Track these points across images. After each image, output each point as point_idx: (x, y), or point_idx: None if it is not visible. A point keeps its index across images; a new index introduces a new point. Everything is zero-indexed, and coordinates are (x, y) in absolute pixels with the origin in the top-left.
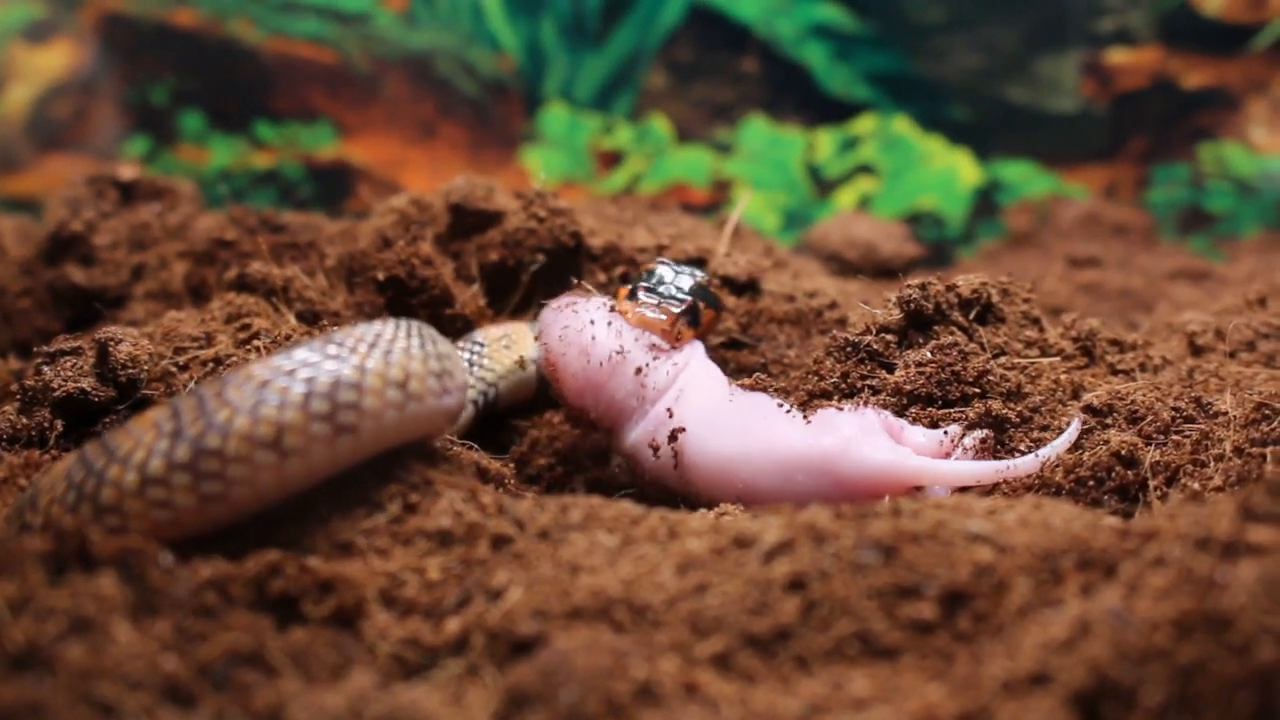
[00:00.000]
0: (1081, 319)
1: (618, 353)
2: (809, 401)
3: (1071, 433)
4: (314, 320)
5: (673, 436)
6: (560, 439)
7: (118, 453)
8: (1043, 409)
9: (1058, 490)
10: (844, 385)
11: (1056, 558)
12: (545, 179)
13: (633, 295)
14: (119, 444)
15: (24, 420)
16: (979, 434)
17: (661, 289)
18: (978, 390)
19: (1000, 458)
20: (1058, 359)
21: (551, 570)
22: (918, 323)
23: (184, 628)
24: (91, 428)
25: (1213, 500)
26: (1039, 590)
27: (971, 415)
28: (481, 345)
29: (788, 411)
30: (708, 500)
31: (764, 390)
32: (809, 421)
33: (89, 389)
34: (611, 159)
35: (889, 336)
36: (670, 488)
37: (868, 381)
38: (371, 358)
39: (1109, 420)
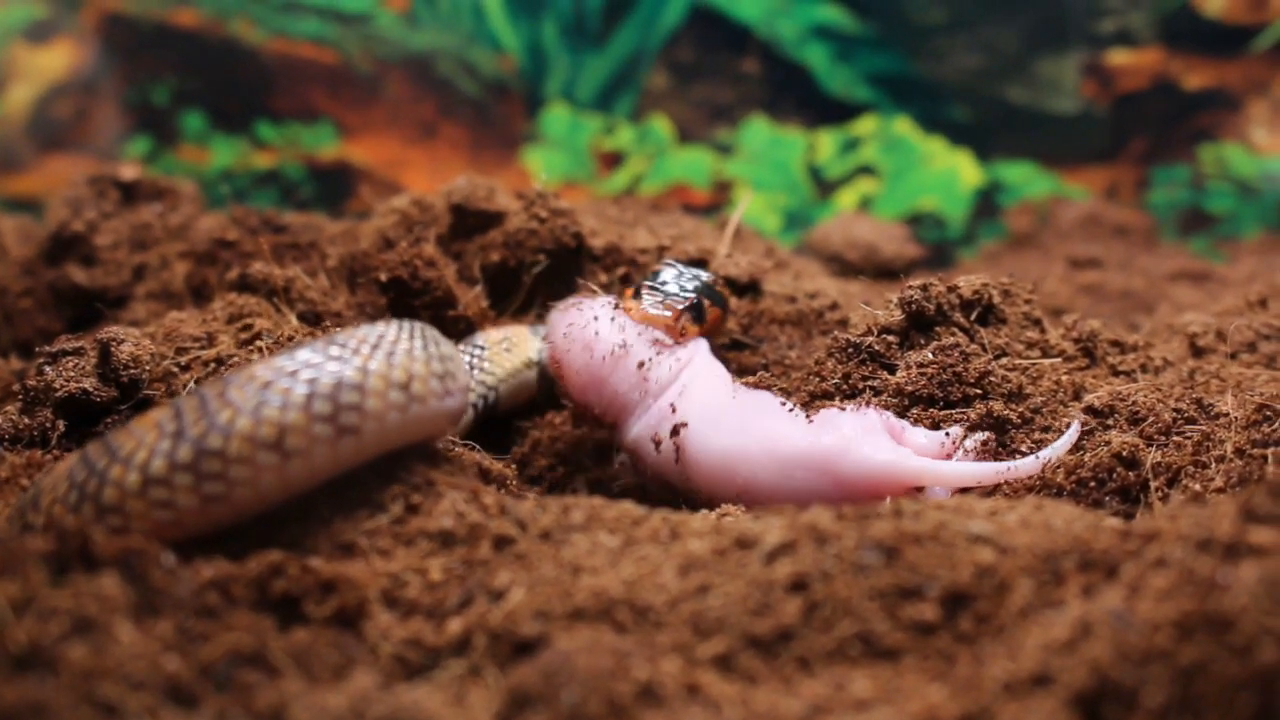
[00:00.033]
0: (1083, 320)
1: (620, 347)
2: (811, 402)
3: (1071, 435)
4: (316, 321)
5: (675, 431)
6: (562, 440)
7: (120, 453)
8: (1044, 410)
9: (1059, 491)
10: (845, 386)
11: (1058, 559)
12: (546, 179)
13: (637, 294)
14: (121, 444)
15: (26, 420)
16: (980, 436)
17: (666, 287)
18: (979, 391)
19: (1001, 459)
20: (1059, 360)
21: (553, 571)
22: (919, 324)
23: (186, 628)
24: (93, 428)
25: (1214, 501)
26: (1040, 591)
27: (973, 416)
28: (482, 348)
29: (790, 410)
30: (708, 497)
31: (767, 389)
32: (811, 421)
33: (91, 389)
34: (612, 159)
35: (890, 337)
36: (671, 483)
37: (869, 382)
38: (374, 359)
39: (1110, 421)
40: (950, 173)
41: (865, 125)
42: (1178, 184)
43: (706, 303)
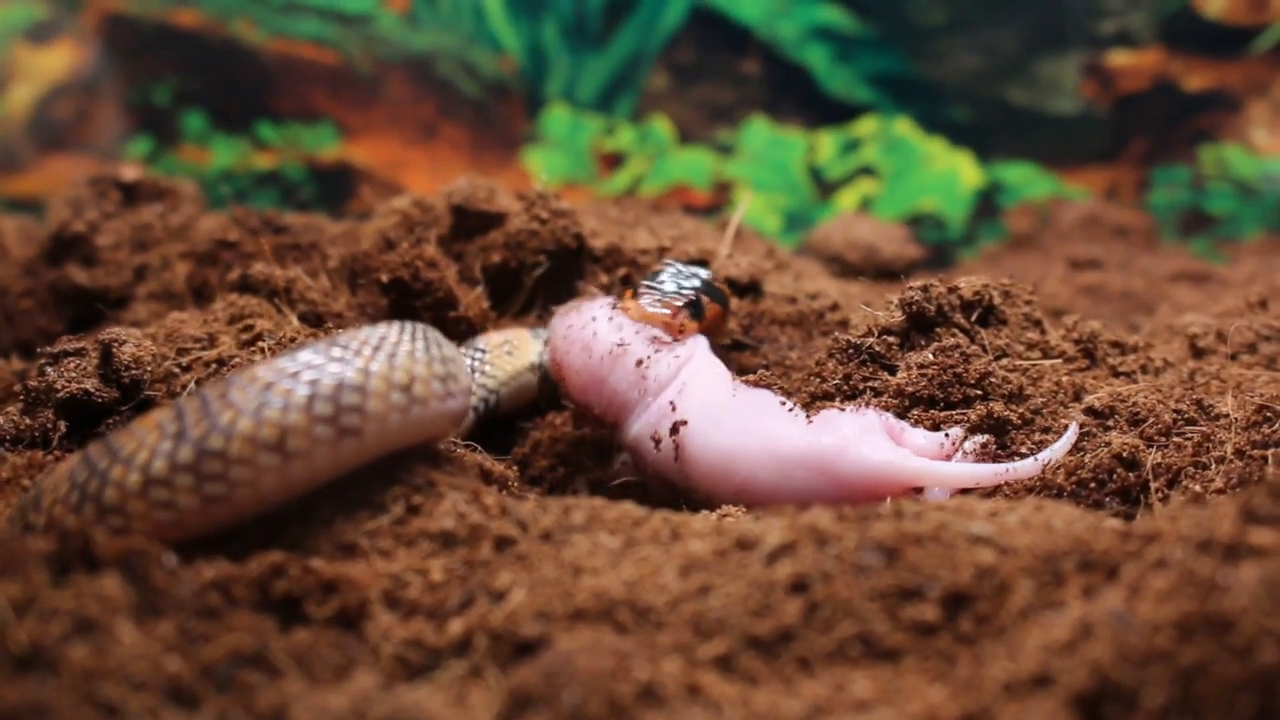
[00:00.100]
0: (1083, 321)
1: (619, 346)
2: (811, 403)
3: (1069, 437)
4: (317, 322)
5: (674, 429)
6: (562, 440)
7: (121, 453)
8: (1044, 411)
9: (1059, 492)
10: (846, 387)
11: (1058, 560)
12: (547, 180)
13: (636, 294)
14: (122, 445)
15: (27, 421)
16: (979, 439)
17: (664, 285)
18: (979, 392)
19: (1001, 461)
20: (1059, 361)
21: (554, 572)
22: (919, 325)
23: (187, 628)
24: (95, 429)
25: (1214, 502)
26: (1041, 592)
27: (973, 417)
28: (484, 352)
29: (790, 409)
30: (706, 496)
31: (768, 387)
32: (811, 421)
33: (92, 390)
34: (613, 160)
35: (891, 338)
36: (671, 482)
37: (870, 383)
38: (376, 361)
39: (1110, 422)
40: (950, 173)
41: (865, 126)
42: (1178, 185)
43: (705, 299)
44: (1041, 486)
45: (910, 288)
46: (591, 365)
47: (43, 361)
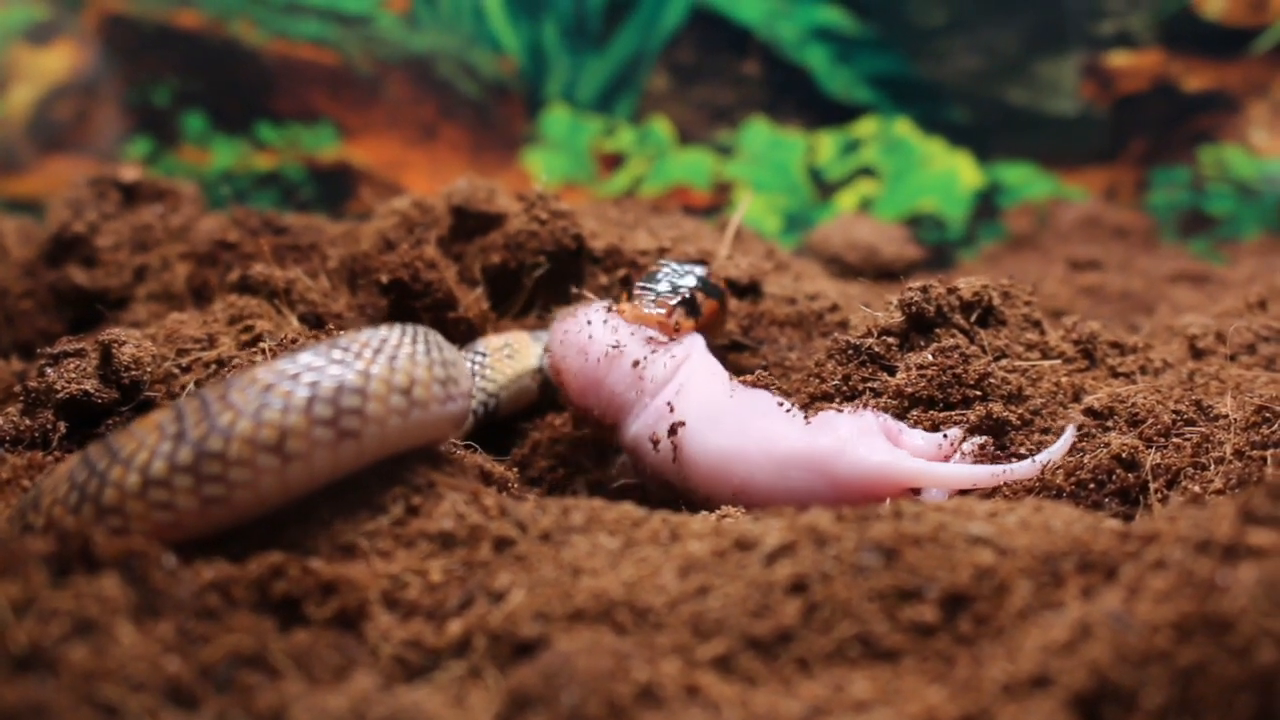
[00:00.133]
0: (1082, 322)
1: (614, 347)
2: (810, 404)
3: (1067, 439)
4: (316, 322)
5: (672, 430)
6: (562, 441)
7: (120, 454)
8: (1044, 412)
9: (1058, 493)
10: (845, 388)
11: (1057, 560)
12: (547, 181)
13: (631, 296)
14: (122, 445)
15: (27, 422)
16: (977, 440)
17: (658, 285)
18: (979, 393)
19: (999, 462)
20: (1059, 362)
21: (553, 572)
22: (919, 325)
23: (187, 629)
24: (94, 429)
25: (1213, 503)
26: (1040, 593)
27: (972, 418)
28: (484, 355)
29: (788, 410)
30: (705, 496)
31: (765, 387)
32: (809, 422)
33: (92, 390)
34: (613, 161)
35: (890, 339)
36: (670, 483)
37: (869, 384)
38: (376, 363)
39: (1110, 423)
40: (950, 174)
41: (865, 127)
42: (1177, 186)
43: (700, 296)
44: (1041, 487)
45: (909, 288)
46: (588, 368)
47: (42, 362)
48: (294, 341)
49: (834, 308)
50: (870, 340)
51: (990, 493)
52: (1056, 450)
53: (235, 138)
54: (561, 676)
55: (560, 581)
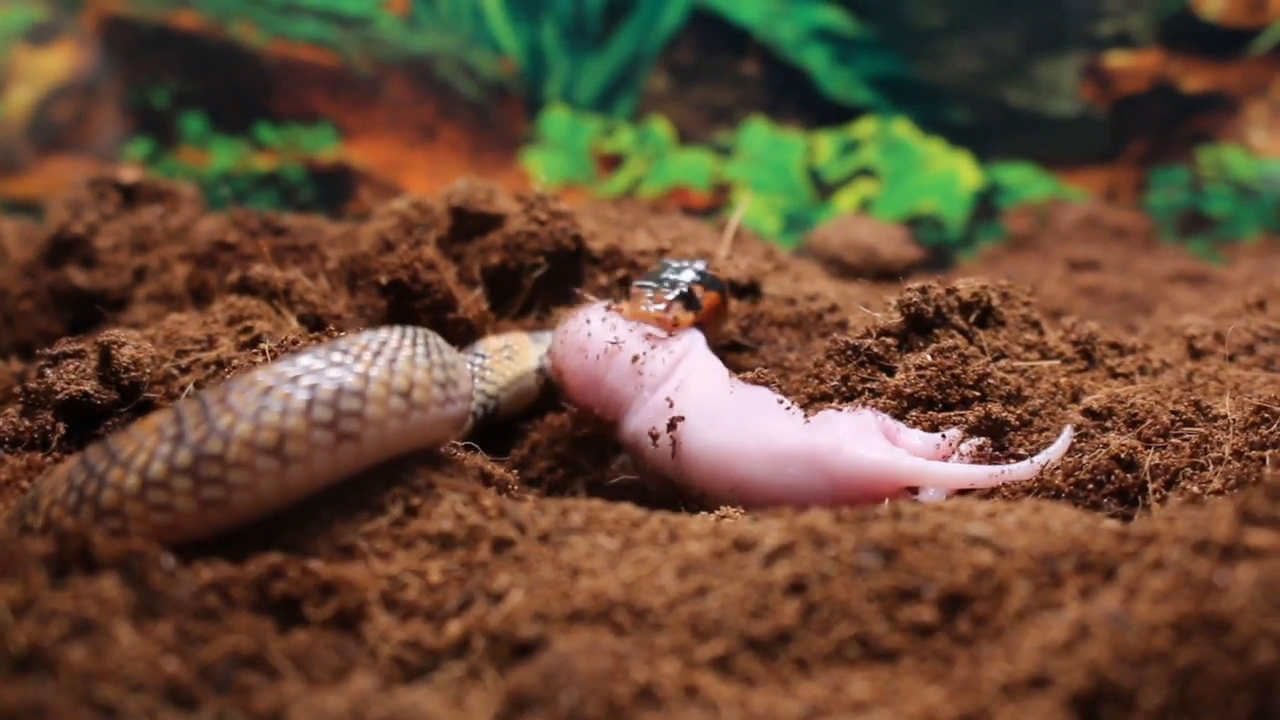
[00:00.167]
0: (1081, 322)
1: (613, 344)
2: (809, 404)
3: (1065, 440)
4: (316, 323)
5: (672, 425)
6: (561, 442)
7: (119, 456)
8: (1042, 412)
9: (1057, 493)
10: (844, 388)
11: (1056, 561)
12: (546, 182)
13: (630, 294)
14: (121, 447)
15: (26, 423)
16: (975, 441)
17: (657, 281)
18: (978, 393)
19: (997, 462)
20: (1057, 362)
21: (552, 573)
22: (918, 326)
23: (186, 630)
24: (94, 430)
25: (1212, 503)
26: (1038, 593)
27: (971, 418)
28: (483, 357)
29: (787, 408)
30: (703, 493)
31: (765, 384)
32: (808, 421)
33: (91, 392)
34: (612, 162)
35: (889, 340)
36: (668, 479)
37: (868, 384)
38: (376, 366)
39: (1108, 423)
40: (949, 175)
41: (864, 127)
42: (1176, 186)
43: (699, 289)
44: (1039, 487)
45: (908, 289)
46: (587, 366)
47: (42, 363)
48: (293, 342)
49: (833, 308)
50: (869, 341)
51: (989, 493)
52: (1054, 451)
53: (234, 139)
54: (560, 677)
55: (559, 582)
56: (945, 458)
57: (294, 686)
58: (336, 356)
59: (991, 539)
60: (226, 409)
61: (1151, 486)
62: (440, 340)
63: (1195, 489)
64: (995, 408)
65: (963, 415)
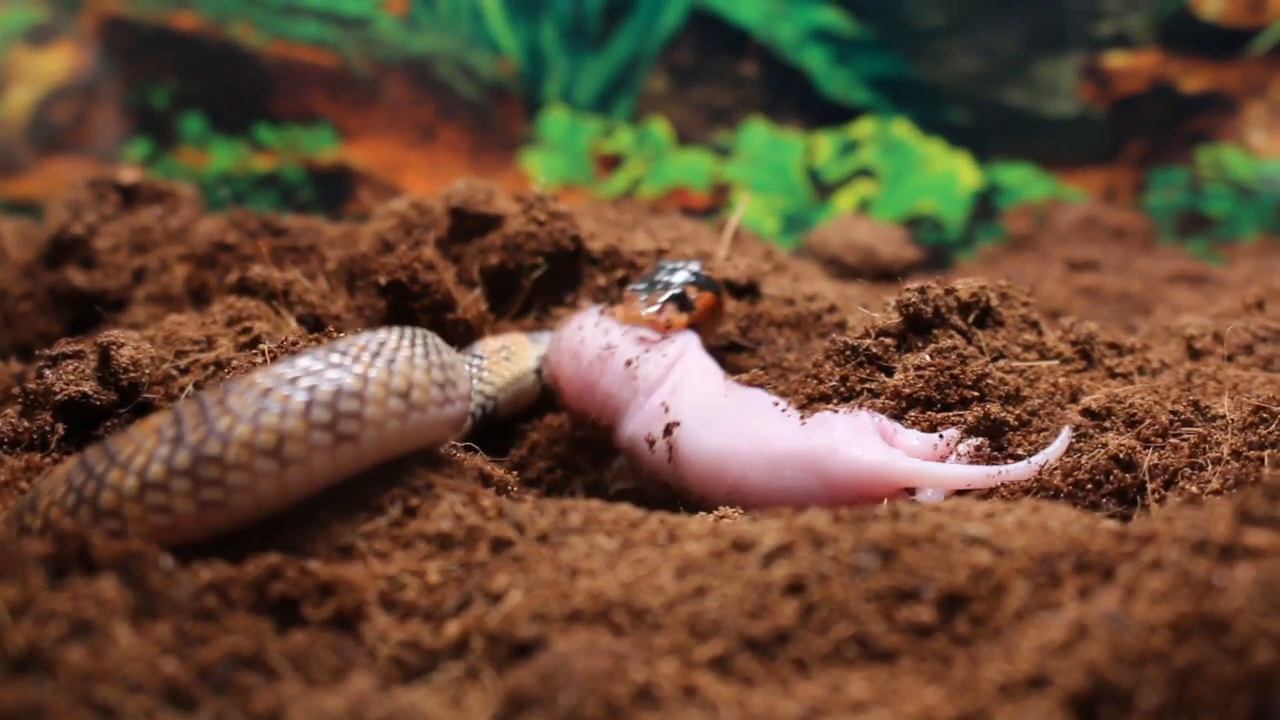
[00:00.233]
0: (1080, 322)
1: (606, 349)
2: (808, 405)
3: (1063, 440)
4: (315, 324)
5: (668, 430)
6: (559, 443)
7: (118, 457)
8: (1041, 412)
9: (1056, 493)
10: (843, 389)
11: (1054, 561)
12: (545, 182)
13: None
14: (120, 448)
15: (25, 423)
16: (973, 442)
17: (649, 284)
18: (976, 394)
19: (995, 462)
20: (1056, 362)
21: (551, 573)
22: (917, 326)
23: (184, 631)
24: (93, 431)
25: (1210, 503)
26: (1037, 593)
27: (970, 419)
28: (481, 358)
29: (783, 410)
30: (700, 496)
31: (760, 386)
32: (804, 422)
33: (91, 392)
34: (611, 162)
35: (888, 340)
36: (666, 483)
37: (867, 385)
38: (375, 367)
39: (1107, 423)
40: (948, 175)
41: (864, 128)
42: (1175, 186)
43: (693, 290)
44: (1038, 487)
45: (907, 289)
46: (581, 371)
47: (41, 364)
48: (293, 343)
49: (832, 309)
50: (868, 341)
51: (987, 493)
52: (1052, 451)
53: (234, 139)
54: (559, 677)
55: (558, 582)
56: (943, 458)
57: (292, 687)
58: (335, 358)
59: (990, 539)
60: (225, 411)
61: (1150, 486)
62: (439, 341)
63: (1194, 489)
64: (994, 408)
65: (961, 415)
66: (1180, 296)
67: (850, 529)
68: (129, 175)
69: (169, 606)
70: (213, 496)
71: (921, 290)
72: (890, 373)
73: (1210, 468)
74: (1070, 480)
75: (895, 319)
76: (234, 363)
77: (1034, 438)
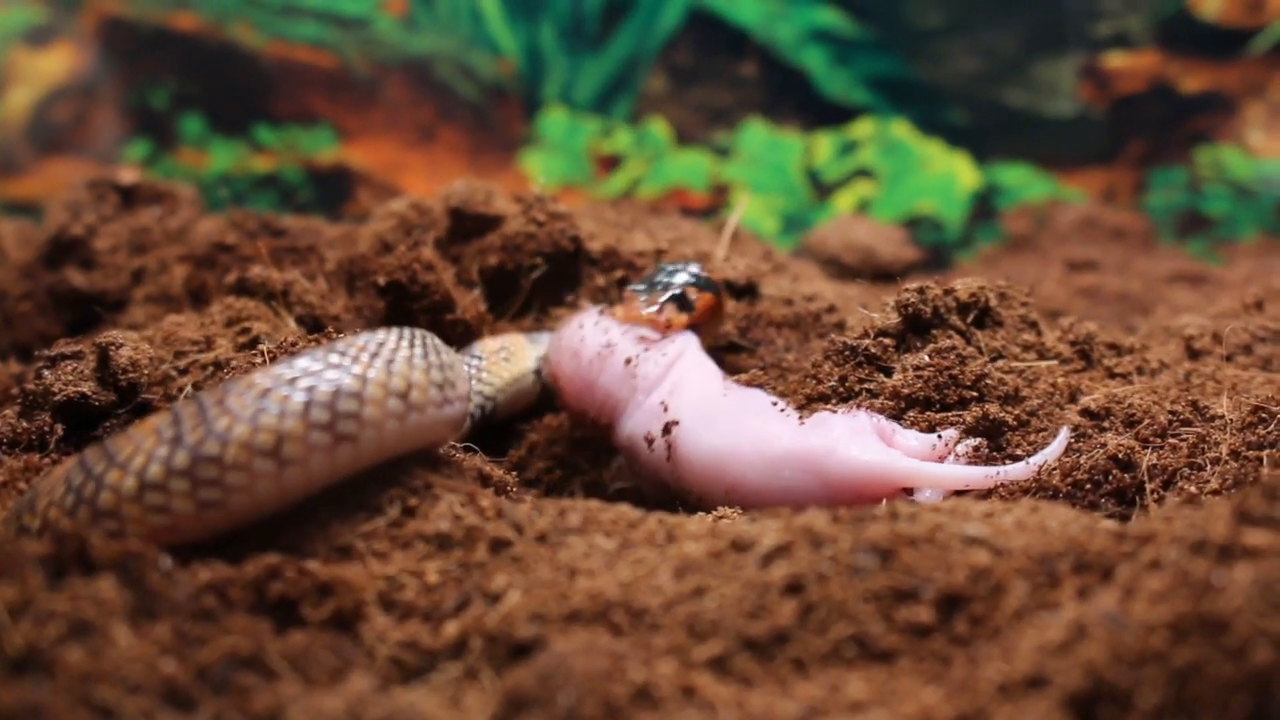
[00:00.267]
0: (1079, 322)
1: (605, 347)
2: (807, 405)
3: (1061, 441)
4: (314, 324)
5: (667, 429)
6: (558, 443)
7: (117, 457)
8: (1040, 412)
9: (1055, 493)
10: (842, 389)
11: (1053, 561)
12: (544, 183)
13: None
14: (119, 449)
15: (24, 424)
16: (971, 443)
17: (648, 285)
18: (975, 394)
19: (995, 464)
20: (1055, 362)
21: (550, 573)
22: (916, 327)
23: (183, 631)
24: (92, 432)
25: (1209, 503)
26: (1035, 593)
27: (969, 419)
28: (480, 359)
29: (781, 410)
30: (698, 496)
31: (759, 387)
32: (803, 422)
33: (90, 393)
34: (611, 162)
35: (887, 340)
36: (664, 482)
37: (866, 385)
38: (373, 367)
39: (1106, 424)
40: (948, 175)
41: (863, 128)
42: (1175, 187)
43: (693, 291)
44: (1037, 488)
45: (906, 290)
46: (581, 370)
47: (40, 364)
48: (292, 344)
49: (831, 309)
50: (867, 341)
51: (986, 494)
52: (1051, 452)
53: (233, 140)
54: (558, 677)
55: (557, 583)
56: (941, 458)
57: (291, 687)
58: (334, 358)
59: (989, 539)
60: (224, 411)
61: (1149, 486)
62: (438, 341)
63: (1193, 489)
64: (993, 408)
65: (960, 416)
66: (1179, 297)
67: (849, 529)
68: (128, 176)
69: (168, 607)
70: (211, 497)
71: (920, 290)
72: (889, 373)
73: (1209, 468)
74: (1069, 480)
75: (894, 319)
76: (233, 363)
77: (1033, 438)
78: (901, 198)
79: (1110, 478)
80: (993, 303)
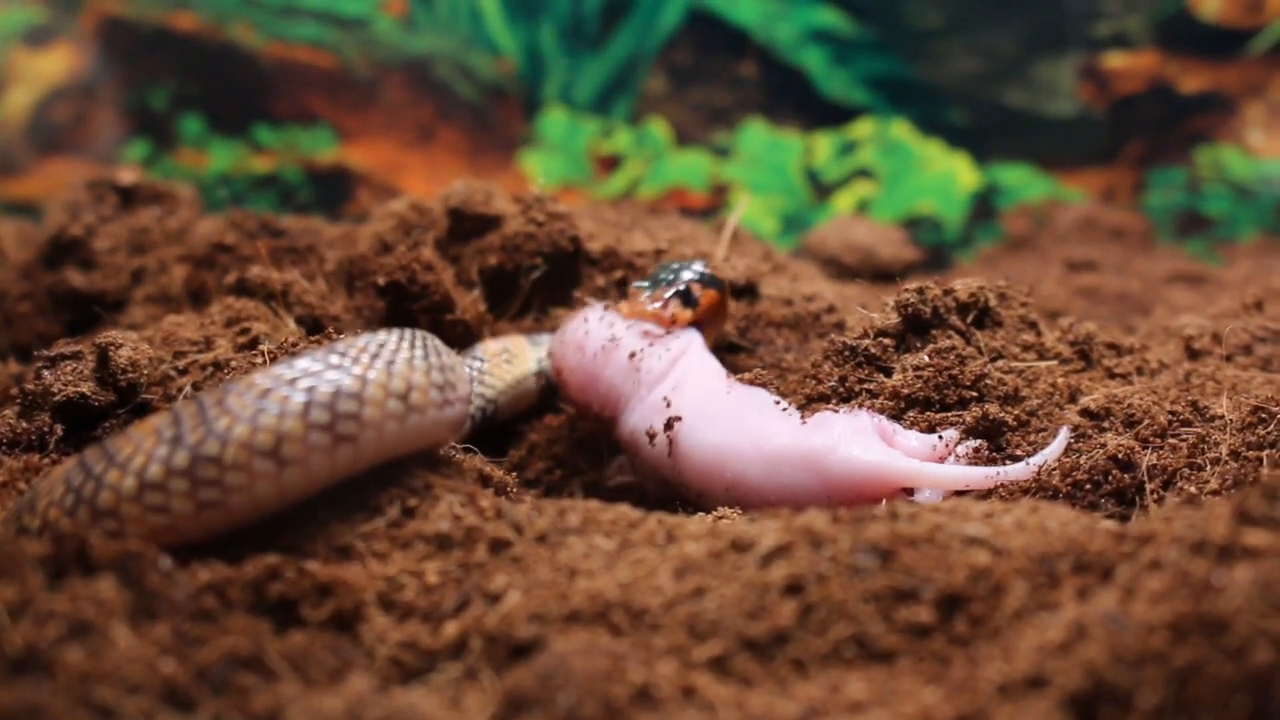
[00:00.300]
0: (1079, 323)
1: (610, 341)
2: (807, 405)
3: (1060, 441)
4: (314, 324)
5: (668, 424)
6: (558, 443)
7: (117, 457)
8: (1040, 412)
9: (1054, 494)
10: (842, 389)
11: (1053, 561)
12: (544, 183)
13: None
14: (119, 449)
15: (24, 424)
16: (971, 443)
17: (654, 280)
18: (975, 394)
19: (993, 463)
20: (1055, 363)
21: (549, 574)
22: (915, 327)
23: (183, 631)
24: (91, 432)
25: (1209, 504)
26: (1035, 593)
27: (969, 419)
28: (482, 361)
29: (784, 409)
30: (698, 492)
31: (763, 385)
32: (804, 422)
33: (89, 393)
34: (610, 163)
35: (886, 340)
36: (665, 478)
37: (865, 385)
38: (373, 368)
39: (1106, 424)
40: (947, 176)
41: (863, 128)
42: (1174, 187)
43: (697, 287)
44: (1037, 488)
45: (906, 290)
46: (585, 363)
47: (39, 365)
48: (291, 344)
49: (831, 309)
50: (867, 341)
51: (986, 494)
52: (1050, 452)
53: (233, 140)
54: (558, 678)
55: (556, 583)
56: (941, 459)
57: (291, 687)
58: (334, 359)
59: (989, 539)
60: (224, 411)
61: (1149, 487)
62: (438, 342)
63: (1192, 489)
64: (993, 408)
65: (960, 416)
66: (1179, 297)
67: (849, 529)
68: (128, 176)
69: (167, 607)
70: (211, 497)
71: (920, 291)
72: (889, 373)
73: (1209, 468)
74: (1069, 480)
75: (894, 319)
76: (233, 363)
77: (1032, 438)
78: (901, 198)
79: (1110, 478)
80: (992, 303)
